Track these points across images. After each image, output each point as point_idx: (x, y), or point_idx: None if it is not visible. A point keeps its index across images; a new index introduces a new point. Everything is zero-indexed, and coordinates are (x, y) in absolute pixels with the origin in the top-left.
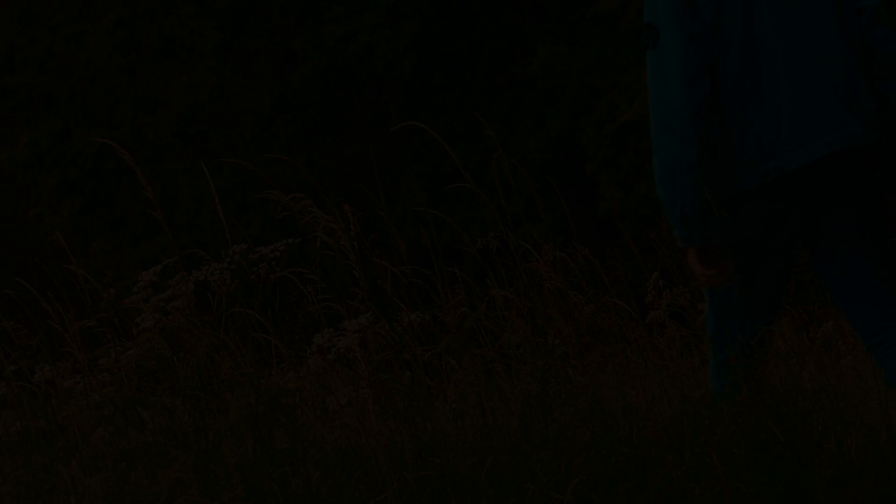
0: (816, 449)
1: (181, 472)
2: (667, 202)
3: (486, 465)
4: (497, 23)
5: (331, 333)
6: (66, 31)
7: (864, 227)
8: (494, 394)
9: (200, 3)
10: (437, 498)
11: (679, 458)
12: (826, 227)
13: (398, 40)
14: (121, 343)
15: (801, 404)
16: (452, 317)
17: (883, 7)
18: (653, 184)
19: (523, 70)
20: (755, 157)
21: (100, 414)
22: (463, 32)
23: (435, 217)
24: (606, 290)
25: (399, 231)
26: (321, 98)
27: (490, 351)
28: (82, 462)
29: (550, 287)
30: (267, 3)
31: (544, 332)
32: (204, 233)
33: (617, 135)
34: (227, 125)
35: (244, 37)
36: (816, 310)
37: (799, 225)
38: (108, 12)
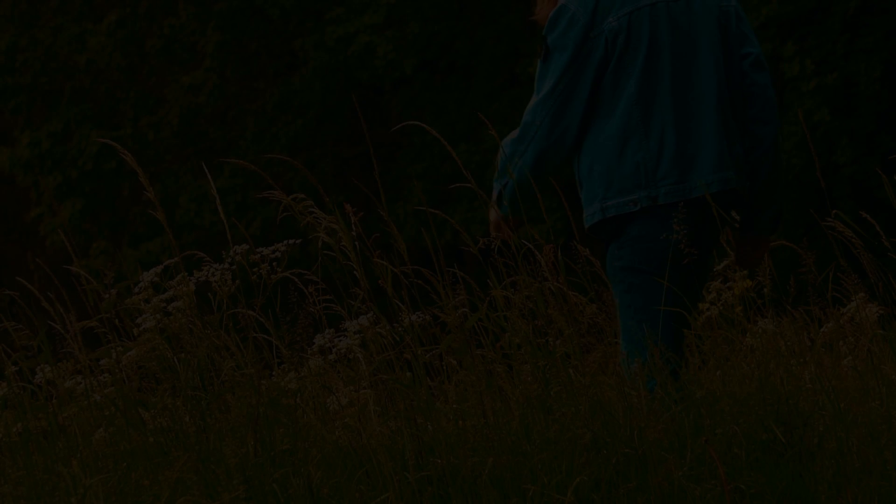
0: (817, 449)
1: (182, 473)
2: (501, 171)
3: (488, 466)
4: (498, 23)
5: (332, 334)
6: (66, 32)
7: (702, 270)
8: (495, 394)
9: (201, 4)
10: (438, 498)
11: (680, 458)
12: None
13: (399, 41)
14: (122, 344)
15: (802, 404)
16: (453, 317)
17: (763, 55)
18: None
19: (524, 70)
20: (630, 185)
21: (101, 414)
22: (464, 33)
23: (436, 217)
24: (607, 290)
25: (400, 231)
26: (322, 98)
27: (491, 351)
28: (83, 462)
29: (552, 287)
30: (267, 3)
31: (545, 332)
32: (205, 233)
33: None
34: (227, 125)
35: (245, 37)
36: (817, 310)
37: (666, 252)
38: (109, 13)
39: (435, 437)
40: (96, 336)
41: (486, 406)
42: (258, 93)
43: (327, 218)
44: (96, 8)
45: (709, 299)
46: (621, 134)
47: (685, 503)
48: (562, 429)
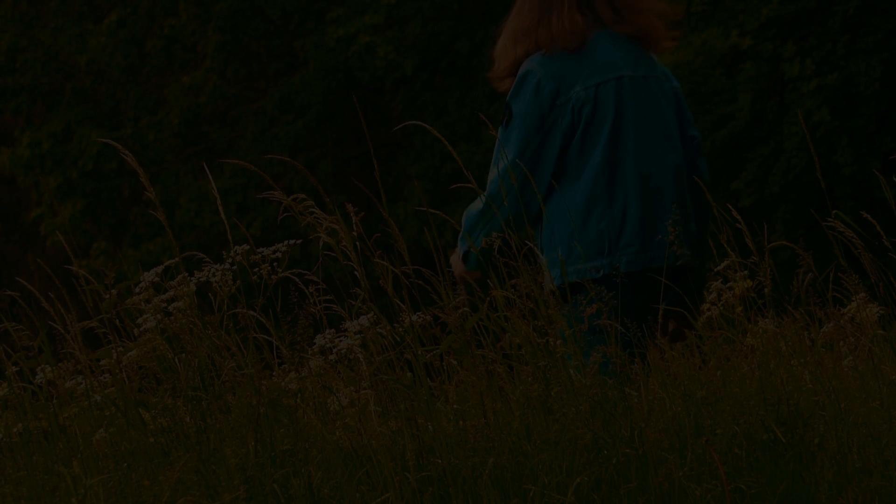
0: (818, 449)
1: (182, 473)
2: (467, 231)
3: (488, 466)
4: (498, 23)
5: (332, 334)
6: (67, 33)
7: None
8: (496, 395)
9: (202, 4)
10: (439, 499)
11: (681, 458)
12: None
13: (399, 41)
14: (122, 344)
15: (803, 405)
16: (454, 317)
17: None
18: None
19: None
20: (594, 251)
21: (101, 415)
22: (464, 33)
23: (437, 217)
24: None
25: (401, 231)
26: (322, 99)
27: (491, 352)
28: (84, 463)
29: (552, 287)
30: (268, 4)
31: (546, 332)
32: (205, 234)
33: None
34: (228, 126)
35: (245, 38)
36: (817, 311)
37: (618, 316)
38: (110, 13)
39: (435, 438)
40: (97, 336)
41: (487, 406)
42: (259, 93)
43: (328, 218)
44: (97, 8)
45: (709, 299)
46: (586, 202)
47: (686, 503)
48: (562, 429)
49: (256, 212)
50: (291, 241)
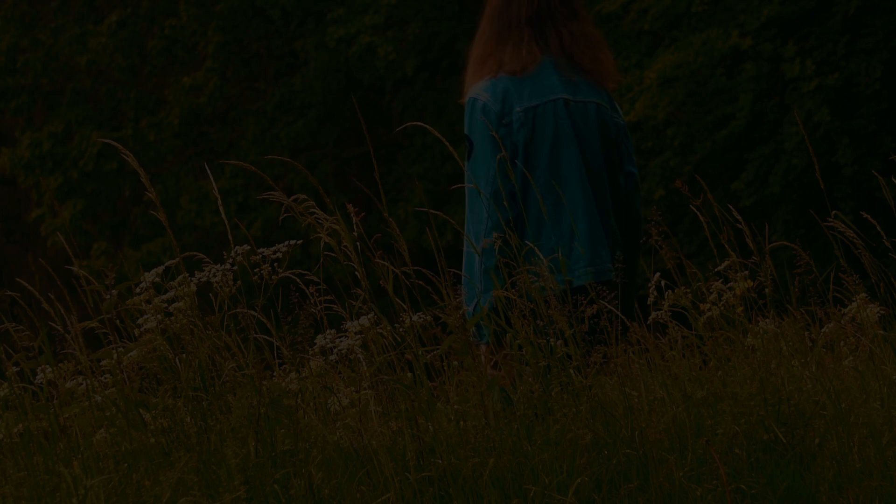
0: (818, 449)
1: (183, 474)
2: (468, 299)
3: (489, 467)
4: None
5: (333, 334)
6: (67, 33)
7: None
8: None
9: (202, 5)
10: (440, 499)
11: (681, 458)
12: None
13: (400, 41)
14: (123, 344)
15: (803, 405)
16: (454, 318)
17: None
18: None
19: None
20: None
21: (102, 415)
22: (465, 33)
23: (437, 218)
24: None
25: (401, 232)
26: (323, 99)
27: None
28: (84, 463)
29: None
30: (268, 4)
31: (546, 333)
32: (206, 234)
33: None
34: (228, 126)
35: (246, 38)
36: (818, 311)
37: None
38: (110, 14)
39: (436, 438)
40: (97, 337)
41: (487, 407)
42: (259, 93)
43: (328, 218)
44: (97, 9)
45: (710, 300)
46: (535, 221)
47: (686, 503)
48: (563, 429)
49: (257, 212)
50: (292, 242)
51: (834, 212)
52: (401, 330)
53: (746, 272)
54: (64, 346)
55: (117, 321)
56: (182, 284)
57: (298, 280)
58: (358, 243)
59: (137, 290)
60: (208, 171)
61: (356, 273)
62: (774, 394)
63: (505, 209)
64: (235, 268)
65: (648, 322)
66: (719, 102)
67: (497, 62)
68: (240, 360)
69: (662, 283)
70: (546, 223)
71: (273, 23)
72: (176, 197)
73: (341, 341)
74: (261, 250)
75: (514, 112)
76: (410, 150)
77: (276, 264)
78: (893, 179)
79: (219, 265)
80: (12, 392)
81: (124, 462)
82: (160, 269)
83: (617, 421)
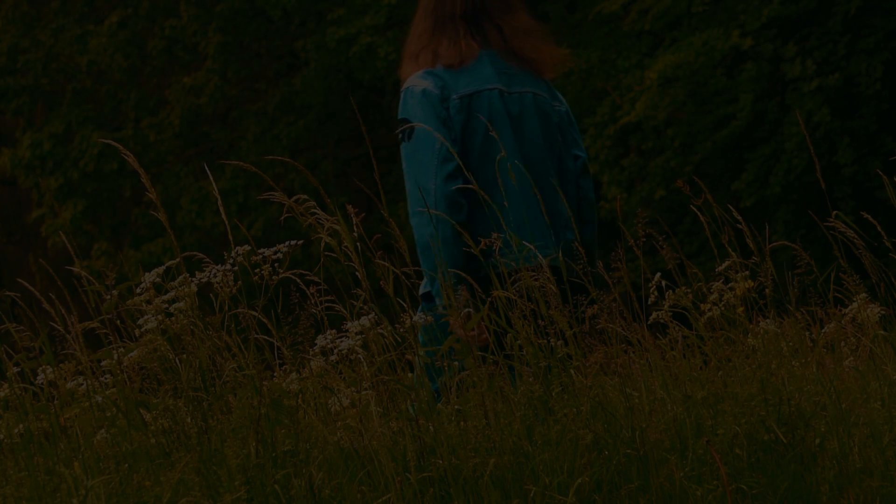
0: (819, 450)
1: (184, 474)
2: (427, 275)
3: (489, 467)
4: None
5: (333, 335)
6: (68, 33)
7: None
8: (497, 395)
9: (202, 5)
10: (440, 499)
11: (682, 459)
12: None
13: (401, 42)
14: (123, 345)
15: (804, 405)
16: (455, 318)
17: (588, 160)
18: (654, 184)
19: None
20: (485, 250)
21: (102, 416)
22: None
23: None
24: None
25: (401, 232)
26: (323, 99)
27: (493, 352)
28: (85, 464)
29: (553, 288)
30: (269, 4)
31: (547, 333)
32: (206, 234)
33: (619, 136)
34: (229, 127)
35: (246, 38)
36: (819, 311)
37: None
38: (110, 14)
39: (436, 438)
40: (98, 337)
41: (488, 407)
42: (259, 94)
43: (329, 219)
44: (97, 9)
45: (710, 300)
46: (471, 205)
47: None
48: (563, 430)
49: (257, 212)
50: (292, 242)
51: (835, 212)
52: (401, 330)
53: (747, 272)
54: (64, 347)
55: (118, 321)
56: (182, 285)
57: (299, 280)
58: (358, 244)
59: (138, 291)
60: (209, 172)
61: (357, 273)
62: (775, 394)
63: (453, 182)
64: (236, 268)
65: (649, 322)
66: (720, 103)
67: (432, 55)
68: (240, 361)
69: (663, 283)
70: (478, 211)
71: (273, 23)
72: (176, 197)
73: (342, 342)
74: (261, 250)
75: (451, 99)
76: None
77: (276, 265)
78: None
79: (219, 265)
80: (13, 392)
81: (125, 462)
82: (161, 269)
83: (617, 421)
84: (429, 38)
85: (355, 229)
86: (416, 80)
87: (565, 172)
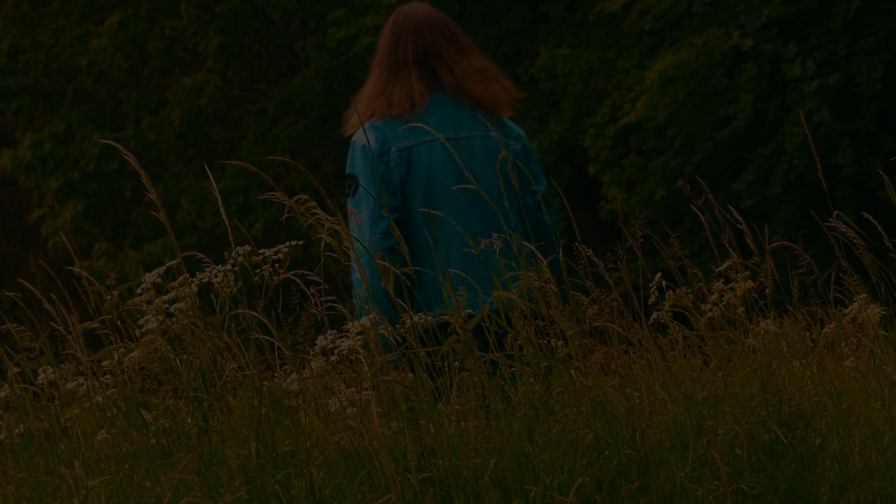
0: (819, 450)
1: (184, 474)
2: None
3: (489, 467)
4: (499, 24)
5: (334, 335)
6: (68, 34)
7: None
8: (497, 395)
9: (203, 6)
10: (441, 499)
11: (682, 459)
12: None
13: None
14: (124, 345)
15: (804, 405)
16: (456, 318)
17: (549, 194)
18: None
19: (526, 71)
20: (425, 301)
21: (103, 416)
22: (465, 34)
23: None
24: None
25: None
26: (324, 100)
27: (493, 352)
28: (85, 464)
29: (553, 289)
30: (269, 4)
31: (547, 333)
32: (207, 235)
33: (619, 136)
34: (229, 127)
35: (246, 39)
36: (819, 311)
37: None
38: (111, 15)
39: (437, 439)
40: (98, 337)
41: (488, 407)
42: (260, 94)
43: (329, 219)
44: (98, 10)
45: (711, 300)
46: (413, 257)
47: None
48: (564, 430)
49: (258, 213)
50: (293, 242)
51: (836, 212)
52: (402, 330)
53: (747, 272)
54: (65, 347)
55: (118, 322)
56: (183, 285)
57: (299, 280)
58: (359, 244)
59: (138, 291)
60: (209, 172)
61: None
62: (775, 394)
63: (387, 240)
64: (236, 268)
65: (650, 322)
66: (720, 103)
67: (387, 101)
68: (241, 361)
69: (663, 283)
70: (423, 260)
71: (274, 23)
72: (177, 197)
73: (342, 342)
74: (262, 251)
75: (391, 153)
76: None
77: (277, 265)
78: None
79: (220, 266)
80: (13, 393)
81: (125, 463)
82: (161, 269)
83: (618, 421)
84: (383, 84)
85: (356, 230)
86: (359, 135)
87: (524, 208)
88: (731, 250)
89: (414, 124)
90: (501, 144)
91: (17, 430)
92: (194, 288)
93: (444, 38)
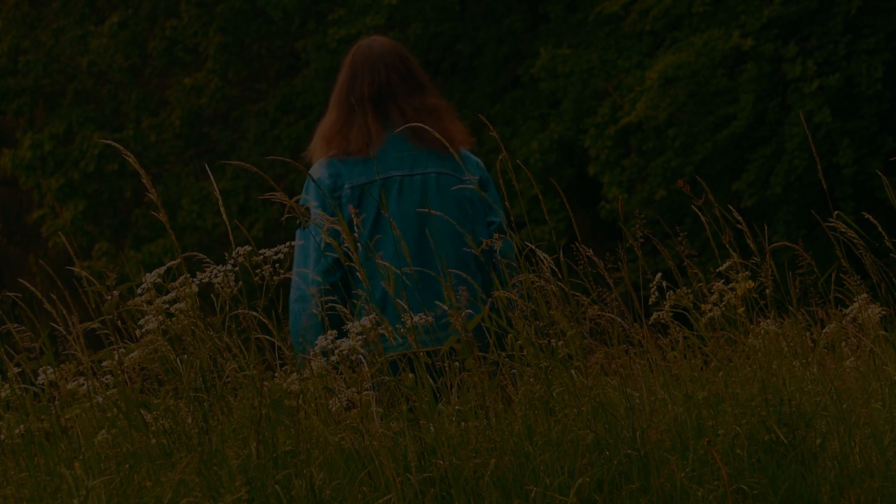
0: (820, 450)
1: (184, 475)
2: (297, 355)
3: (490, 467)
4: (500, 24)
5: (334, 335)
6: (68, 34)
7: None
8: (498, 395)
9: (203, 6)
10: (441, 500)
11: (682, 459)
12: None
13: (401, 42)
14: (124, 345)
15: (805, 405)
16: (456, 318)
17: (505, 222)
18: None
19: (526, 72)
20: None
21: (103, 416)
22: (466, 34)
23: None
24: (610, 291)
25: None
26: (324, 100)
27: (494, 352)
28: (86, 464)
29: (553, 288)
30: (269, 5)
31: (547, 333)
32: (207, 235)
33: (620, 136)
34: (230, 127)
35: (247, 39)
36: (819, 311)
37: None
38: (111, 15)
39: (437, 439)
40: (98, 338)
41: (489, 407)
42: (260, 94)
43: (330, 219)
44: (98, 10)
45: (711, 300)
46: (358, 289)
47: None
48: (564, 430)
49: (258, 213)
50: (293, 243)
51: (836, 212)
52: (402, 330)
53: (748, 273)
54: (65, 347)
55: (118, 322)
56: (183, 285)
57: (299, 281)
58: (359, 244)
59: (139, 291)
60: (209, 172)
61: (357, 274)
62: (776, 394)
63: (330, 276)
64: (237, 268)
65: (650, 322)
66: (720, 103)
67: (344, 140)
68: (241, 361)
69: (664, 283)
70: (365, 293)
71: (274, 24)
72: (177, 198)
73: (343, 342)
74: (262, 251)
75: (343, 189)
76: None
77: (277, 265)
78: None
79: (220, 266)
80: (14, 393)
81: (126, 463)
82: (161, 269)
83: (618, 421)
84: (341, 124)
85: (356, 230)
86: (314, 168)
87: (478, 240)
88: (731, 250)
89: (368, 162)
90: (459, 180)
91: (17, 431)
92: (195, 288)
93: (398, 76)
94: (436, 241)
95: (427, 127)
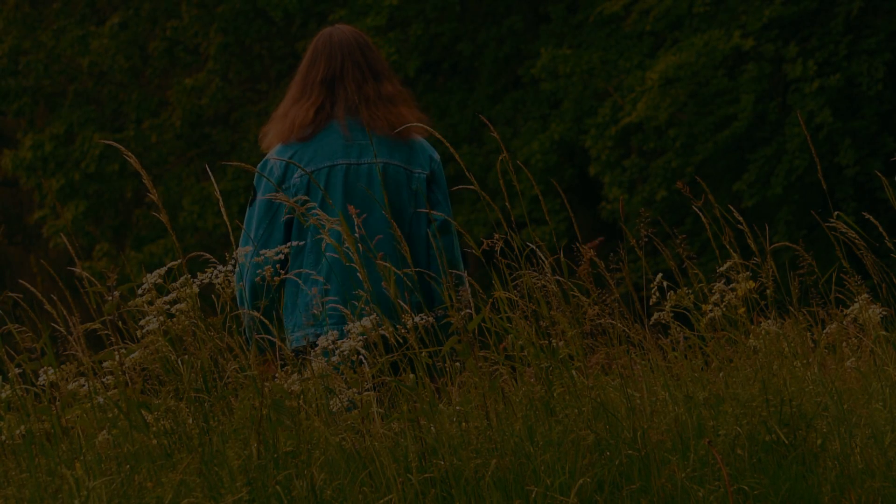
0: (820, 450)
1: (185, 475)
2: (244, 326)
3: (490, 468)
4: (500, 25)
5: (334, 335)
6: (69, 35)
7: None
8: (498, 396)
9: (203, 6)
10: (441, 500)
11: (683, 459)
12: None
13: (401, 42)
14: (125, 346)
15: (806, 406)
16: (457, 319)
17: (449, 219)
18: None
19: (527, 72)
20: (302, 321)
21: (104, 417)
22: (466, 34)
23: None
24: (610, 291)
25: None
26: None
27: (494, 353)
28: (86, 465)
29: (554, 289)
30: (270, 5)
31: (548, 334)
32: (208, 235)
33: (620, 136)
34: (230, 127)
35: (247, 39)
36: (820, 312)
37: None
38: (112, 15)
39: (438, 439)
40: (99, 338)
41: (490, 408)
42: (261, 95)
43: (331, 220)
44: (99, 10)
45: (712, 300)
46: (301, 277)
47: None
48: (565, 430)
49: None
50: (294, 243)
51: (837, 212)
52: (403, 331)
53: (748, 273)
54: (66, 348)
55: (119, 322)
56: (184, 286)
57: (300, 281)
58: (360, 244)
59: (139, 292)
60: (210, 173)
61: (358, 274)
62: (776, 395)
63: (269, 254)
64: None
65: (651, 323)
66: (721, 103)
67: (290, 123)
68: (242, 362)
69: (665, 283)
70: (307, 281)
71: (275, 24)
72: (178, 198)
73: (343, 342)
74: (263, 251)
75: (293, 178)
76: None
77: (277, 265)
78: None
79: (221, 266)
80: (15, 394)
81: (126, 463)
82: (162, 270)
83: (619, 422)
84: (291, 104)
85: (357, 230)
86: (271, 154)
87: (417, 237)
88: (731, 251)
89: (315, 148)
90: (408, 172)
91: (18, 431)
92: (195, 288)
93: (353, 63)
94: (374, 231)
95: (379, 114)
